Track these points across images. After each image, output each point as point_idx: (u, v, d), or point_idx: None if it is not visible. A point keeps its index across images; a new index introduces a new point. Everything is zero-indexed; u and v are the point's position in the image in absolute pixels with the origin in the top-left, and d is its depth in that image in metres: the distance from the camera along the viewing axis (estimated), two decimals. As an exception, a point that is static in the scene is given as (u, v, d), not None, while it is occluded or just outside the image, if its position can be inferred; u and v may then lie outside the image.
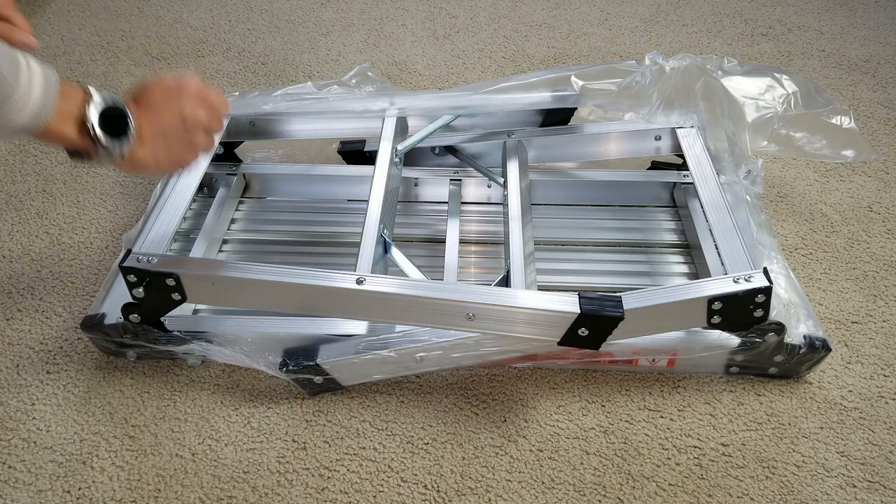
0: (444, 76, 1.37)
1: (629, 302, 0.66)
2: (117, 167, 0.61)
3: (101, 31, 1.50)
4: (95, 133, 0.56)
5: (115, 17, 1.54)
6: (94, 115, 0.55)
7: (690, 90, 0.85)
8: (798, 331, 0.76)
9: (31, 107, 0.52)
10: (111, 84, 1.34)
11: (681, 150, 0.90)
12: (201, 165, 0.85)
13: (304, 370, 0.75)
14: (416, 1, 1.61)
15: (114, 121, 0.57)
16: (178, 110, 0.62)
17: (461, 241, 0.91)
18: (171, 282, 0.71)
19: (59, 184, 1.09)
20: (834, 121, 0.87)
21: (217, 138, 0.70)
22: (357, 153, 1.03)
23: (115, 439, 0.76)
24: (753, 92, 0.83)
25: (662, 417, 0.77)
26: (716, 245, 0.77)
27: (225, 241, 0.94)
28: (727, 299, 0.67)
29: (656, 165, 1.02)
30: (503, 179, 0.92)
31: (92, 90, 0.56)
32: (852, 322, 0.88)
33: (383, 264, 0.79)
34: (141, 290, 0.71)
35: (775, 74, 0.83)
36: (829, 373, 0.82)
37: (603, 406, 0.79)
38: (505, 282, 0.76)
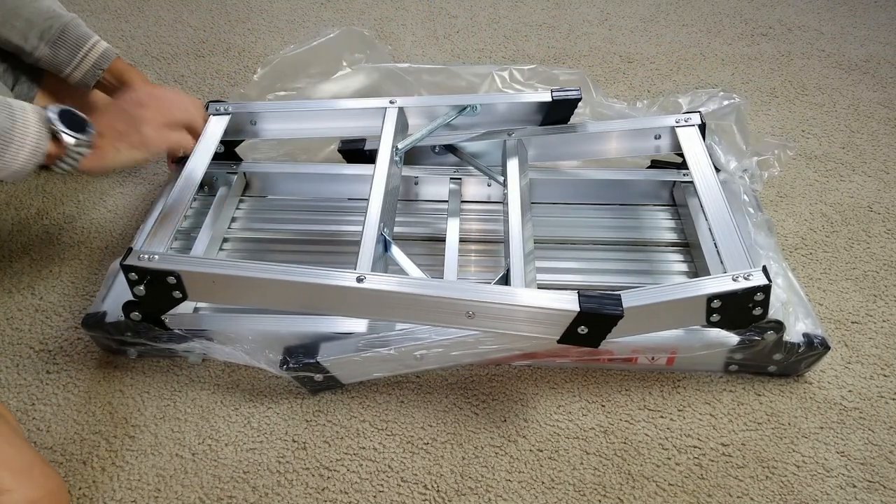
0: (444, 76, 1.37)
1: (628, 300, 0.66)
2: (84, 169, 0.73)
3: (101, 31, 1.49)
4: (60, 129, 0.69)
5: (115, 17, 1.54)
6: (53, 115, 0.69)
7: None
8: (797, 329, 0.76)
9: (28, 147, 0.67)
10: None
11: (680, 149, 0.90)
12: (202, 162, 0.85)
13: (305, 368, 0.75)
14: (416, 1, 1.61)
15: (72, 120, 0.71)
16: (131, 101, 0.77)
17: (461, 240, 0.91)
18: (171, 280, 0.71)
19: (59, 183, 1.09)
20: None
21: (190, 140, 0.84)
22: (357, 152, 1.03)
23: (115, 439, 0.76)
24: None
25: (662, 417, 0.77)
26: (715, 243, 0.77)
27: (226, 240, 0.94)
28: (726, 297, 0.67)
29: (656, 164, 1.02)
30: (503, 178, 0.92)
31: (49, 105, 0.71)
32: (852, 322, 0.88)
33: (383, 263, 0.79)
34: (142, 288, 0.72)
35: None
36: (828, 373, 0.82)
37: (603, 406, 0.79)
38: (505, 280, 0.76)
